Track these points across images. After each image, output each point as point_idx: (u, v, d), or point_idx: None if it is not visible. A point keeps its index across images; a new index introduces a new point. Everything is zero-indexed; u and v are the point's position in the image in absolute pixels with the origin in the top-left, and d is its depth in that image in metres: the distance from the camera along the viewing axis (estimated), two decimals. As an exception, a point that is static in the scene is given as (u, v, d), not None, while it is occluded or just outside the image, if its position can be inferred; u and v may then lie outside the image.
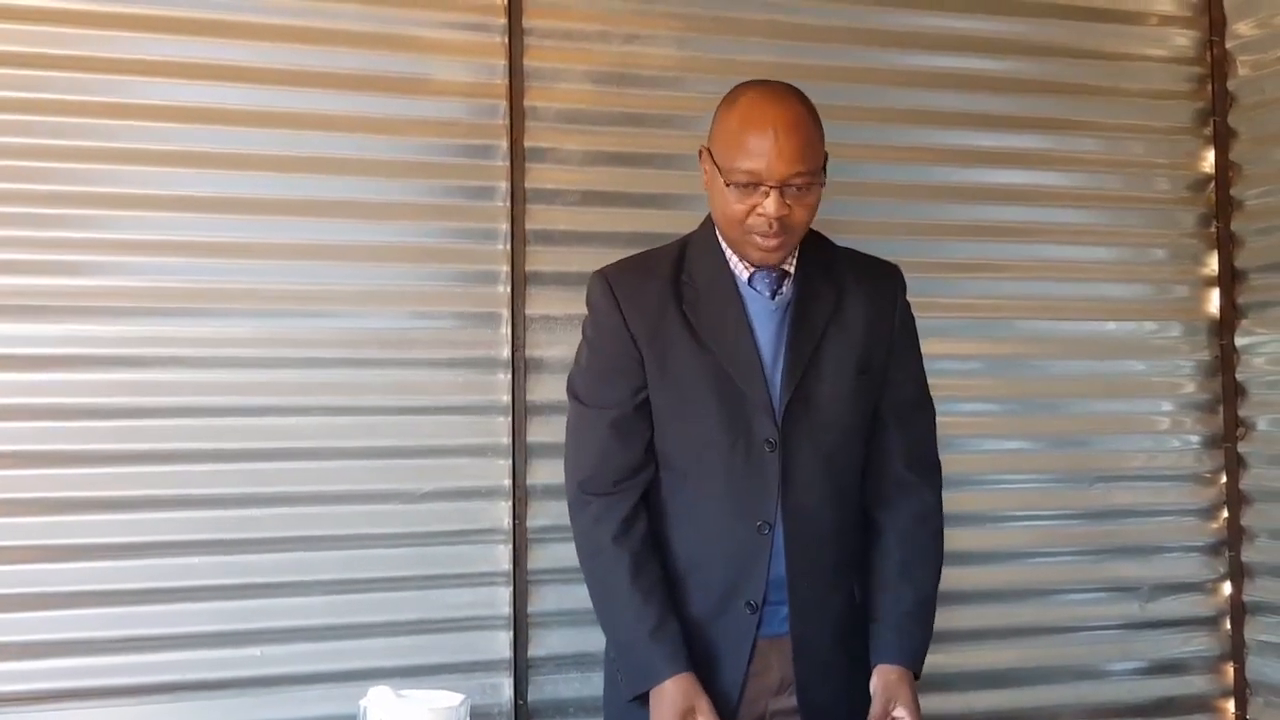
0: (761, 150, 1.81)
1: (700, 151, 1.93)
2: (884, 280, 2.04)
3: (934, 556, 2.02)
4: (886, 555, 1.99)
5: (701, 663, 1.91)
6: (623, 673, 1.93)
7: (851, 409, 1.96)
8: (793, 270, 1.95)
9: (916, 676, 1.98)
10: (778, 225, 1.83)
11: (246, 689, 2.51)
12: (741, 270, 1.94)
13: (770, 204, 1.81)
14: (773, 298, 1.93)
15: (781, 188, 1.81)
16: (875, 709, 1.91)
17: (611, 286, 1.95)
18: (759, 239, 1.86)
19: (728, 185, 1.83)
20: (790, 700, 1.94)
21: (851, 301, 1.97)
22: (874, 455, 2.01)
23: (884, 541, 2.00)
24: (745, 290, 1.94)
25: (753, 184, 1.82)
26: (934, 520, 2.02)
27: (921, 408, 2.06)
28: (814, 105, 1.89)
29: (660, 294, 1.94)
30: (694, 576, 1.94)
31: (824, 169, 1.87)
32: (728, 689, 1.91)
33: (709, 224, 1.98)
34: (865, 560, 2.01)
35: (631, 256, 2.04)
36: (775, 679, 1.94)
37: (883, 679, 1.93)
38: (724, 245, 1.95)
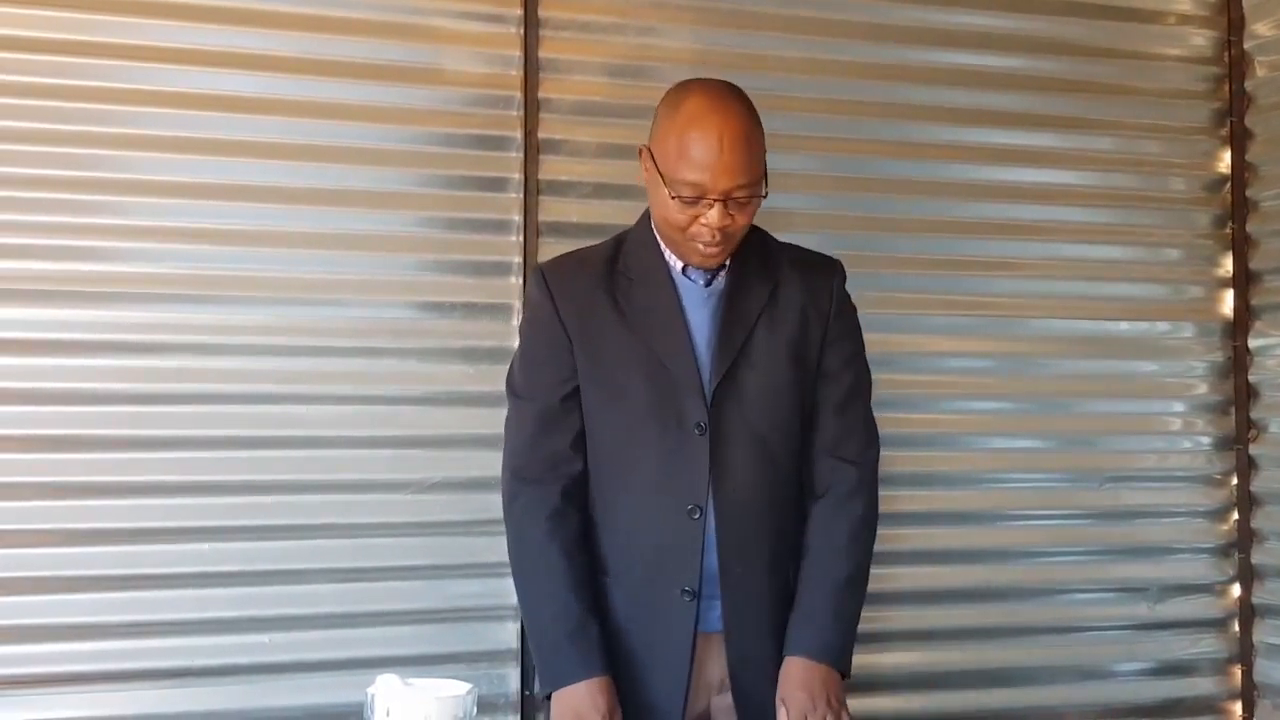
0: (706, 164, 1.81)
1: (640, 151, 1.93)
2: (821, 272, 2.04)
3: (852, 542, 1.95)
4: (809, 545, 1.96)
5: (642, 660, 1.91)
6: (537, 670, 1.92)
7: (785, 399, 1.96)
8: (728, 259, 1.96)
9: (844, 675, 1.91)
10: (720, 234, 1.85)
11: (255, 675, 2.51)
12: (676, 260, 1.96)
13: (714, 215, 1.83)
14: (707, 285, 1.96)
15: (725, 201, 1.83)
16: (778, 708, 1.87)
17: (545, 278, 1.99)
18: (701, 246, 1.88)
19: (672, 197, 1.84)
20: (731, 698, 1.94)
21: (786, 293, 1.98)
22: (806, 440, 1.99)
23: (809, 531, 1.97)
24: (679, 278, 1.96)
25: (697, 196, 1.83)
26: (856, 505, 1.96)
27: (857, 396, 2.02)
28: (755, 108, 1.88)
29: (593, 283, 1.97)
30: (628, 565, 1.93)
31: (765, 179, 1.87)
32: (673, 687, 1.90)
33: (645, 219, 2.00)
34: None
35: (569, 252, 2.08)
36: (715, 676, 1.94)
37: (781, 673, 1.89)
38: (659, 238, 1.97)
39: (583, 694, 1.84)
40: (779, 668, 1.92)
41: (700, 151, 1.81)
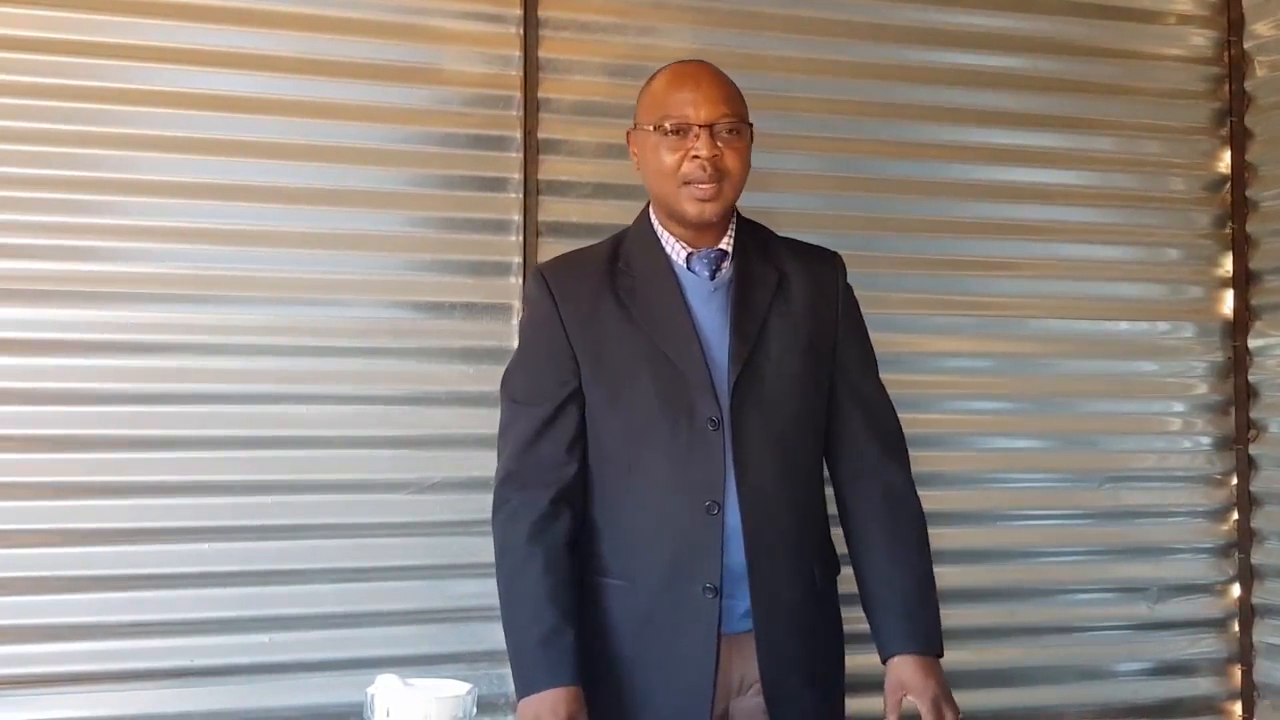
0: (688, 99, 1.89)
1: (627, 135, 1.99)
2: (824, 265, 2.04)
3: (919, 535, 1.99)
4: (870, 544, 1.97)
5: (662, 662, 1.88)
6: (513, 675, 1.90)
7: (800, 389, 1.95)
8: (730, 250, 1.96)
9: (939, 656, 1.93)
10: (711, 168, 1.87)
11: (255, 675, 2.52)
12: (679, 254, 1.95)
13: (702, 145, 1.87)
14: (711, 278, 1.95)
15: (711, 128, 1.87)
16: (887, 703, 1.89)
17: (546, 278, 1.98)
18: (695, 187, 1.88)
19: (660, 135, 1.89)
20: (751, 700, 1.92)
21: (794, 283, 1.98)
22: (838, 439, 2.00)
23: (862, 528, 1.98)
24: (682, 273, 1.95)
25: (683, 129, 1.88)
26: (909, 500, 2.01)
27: (879, 389, 2.05)
28: None
29: (595, 282, 1.95)
30: (641, 566, 1.91)
31: (750, 126, 1.93)
32: (699, 688, 1.87)
33: (644, 215, 2.01)
34: (849, 549, 1.99)
35: (567, 252, 2.07)
36: (735, 678, 1.92)
37: (893, 673, 1.90)
38: (660, 232, 1.97)
39: (546, 701, 1.81)
40: (808, 668, 1.93)
41: (679, 90, 1.90)
